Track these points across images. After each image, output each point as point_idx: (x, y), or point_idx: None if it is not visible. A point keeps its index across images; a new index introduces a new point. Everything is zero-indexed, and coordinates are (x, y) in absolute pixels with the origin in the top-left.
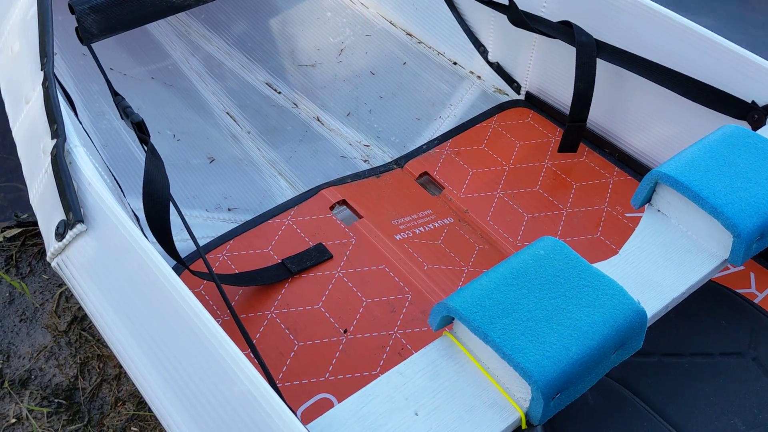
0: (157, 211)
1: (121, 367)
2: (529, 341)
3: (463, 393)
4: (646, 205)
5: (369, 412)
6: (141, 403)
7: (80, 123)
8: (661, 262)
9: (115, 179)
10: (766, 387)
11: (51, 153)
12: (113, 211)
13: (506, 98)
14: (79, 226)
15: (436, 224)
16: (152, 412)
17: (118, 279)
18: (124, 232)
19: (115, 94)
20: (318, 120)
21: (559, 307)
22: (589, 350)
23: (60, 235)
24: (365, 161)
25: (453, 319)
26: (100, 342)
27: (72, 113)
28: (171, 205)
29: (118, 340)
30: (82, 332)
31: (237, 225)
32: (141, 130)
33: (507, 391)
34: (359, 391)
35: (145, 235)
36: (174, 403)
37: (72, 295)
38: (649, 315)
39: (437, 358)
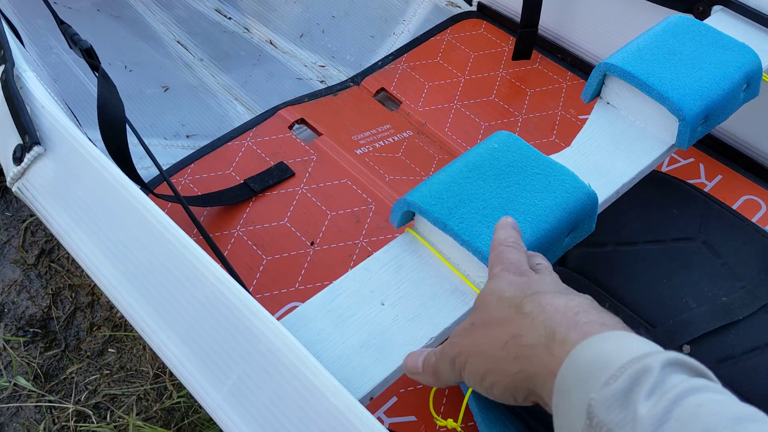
0: (114, 135)
1: (93, 294)
2: (486, 227)
3: (425, 282)
4: (597, 99)
5: (337, 305)
6: (116, 326)
7: (29, 55)
8: (611, 151)
9: (71, 110)
10: (714, 266)
11: (0, 79)
12: (70, 132)
13: (459, 10)
14: (36, 149)
15: (396, 138)
16: (127, 332)
17: (83, 199)
18: (83, 152)
19: (60, 23)
20: (271, 43)
21: (513, 194)
22: (543, 232)
23: (18, 159)
24: (321, 82)
25: (413, 216)
26: (70, 272)
27: (20, 44)
28: (130, 131)
29: (88, 259)
30: (51, 264)
31: (196, 150)
32: (91, 56)
33: (467, 277)
34: (326, 288)
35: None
36: (150, 312)
37: (38, 229)
38: (600, 200)
39: (400, 252)
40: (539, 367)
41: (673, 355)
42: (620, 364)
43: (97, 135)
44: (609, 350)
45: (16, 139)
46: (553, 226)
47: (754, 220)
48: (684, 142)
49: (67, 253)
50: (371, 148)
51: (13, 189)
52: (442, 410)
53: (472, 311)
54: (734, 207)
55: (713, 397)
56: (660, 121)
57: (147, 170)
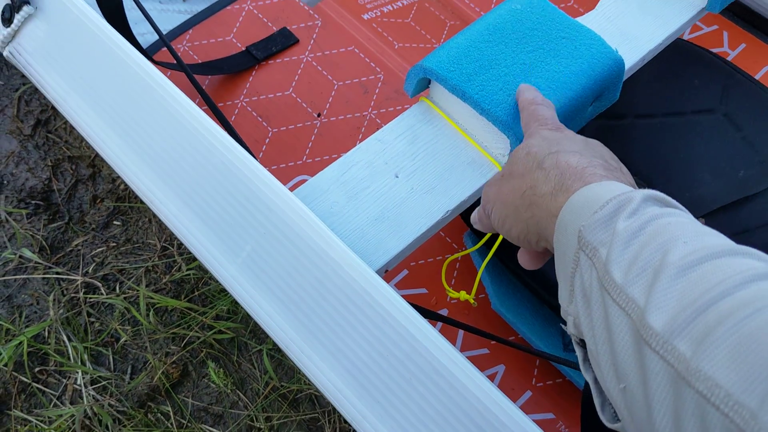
0: None
1: (94, 166)
2: (507, 95)
3: (441, 154)
4: None
5: (350, 177)
6: (119, 198)
7: None
8: (637, 14)
9: None
10: (733, 140)
11: None
12: None
13: None
14: (26, 8)
15: (405, 2)
16: (132, 204)
17: (79, 63)
18: (78, 12)
19: None
20: None
21: (537, 59)
22: (568, 100)
23: (7, 20)
24: None
25: (429, 83)
26: (69, 143)
27: None
28: None
29: (89, 126)
30: (49, 135)
31: (194, 15)
32: None
33: (485, 149)
34: (339, 158)
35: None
36: (158, 184)
37: (32, 98)
38: (626, 67)
39: (415, 123)
40: (545, 212)
41: (655, 192)
42: (608, 198)
43: None
44: (601, 190)
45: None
46: (578, 94)
47: None
48: (716, 5)
49: (65, 123)
50: (379, 13)
51: (5, 53)
52: (453, 283)
53: (506, 163)
54: (757, 77)
55: (682, 219)
56: None
57: (143, 36)
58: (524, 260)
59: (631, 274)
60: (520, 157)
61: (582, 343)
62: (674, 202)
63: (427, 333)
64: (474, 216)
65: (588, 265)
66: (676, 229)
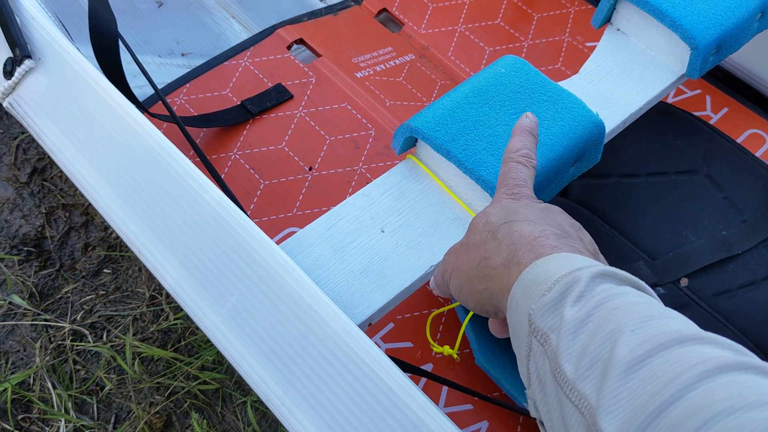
0: (106, 50)
1: (88, 214)
2: (490, 155)
3: (427, 210)
4: (607, 25)
5: (336, 231)
6: (111, 247)
7: None
8: (619, 80)
9: (62, 25)
10: (716, 200)
11: None
12: (62, 46)
13: None
14: (27, 62)
15: (397, 61)
16: (123, 253)
17: (76, 116)
18: (77, 67)
19: None
20: None
21: None
22: (549, 162)
23: (8, 73)
24: (321, 0)
25: (416, 141)
26: (64, 191)
27: None
28: (123, 47)
29: (82, 177)
30: (44, 182)
31: (192, 69)
32: None
33: (469, 206)
34: (326, 213)
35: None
36: (147, 233)
37: (30, 146)
38: (607, 130)
39: (401, 179)
40: (498, 285)
41: (603, 267)
42: (555, 278)
43: (89, 51)
44: (551, 267)
45: (6, 52)
46: (559, 155)
47: (758, 154)
48: (695, 72)
49: (61, 172)
50: (372, 72)
51: (4, 104)
52: (438, 337)
53: (467, 231)
54: (739, 141)
55: (630, 300)
56: (671, 50)
57: (141, 89)
58: (495, 329)
59: (581, 368)
60: (478, 226)
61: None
62: (625, 274)
63: (408, 389)
64: (432, 282)
65: (540, 352)
66: (623, 315)
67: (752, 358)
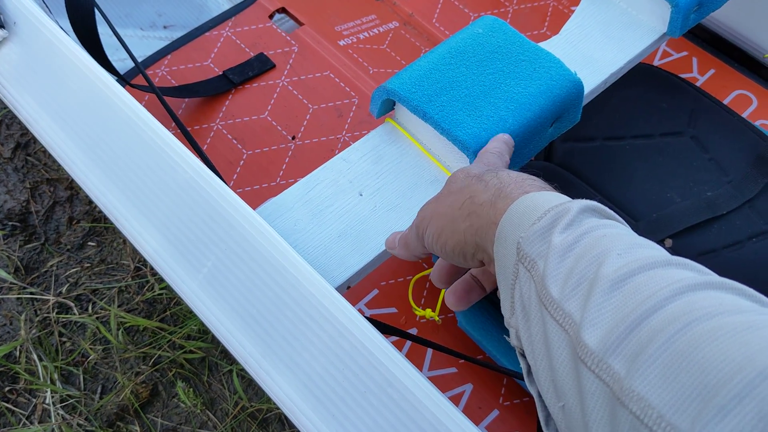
0: (82, 21)
1: (72, 189)
2: (467, 115)
3: (405, 173)
4: None
5: (315, 195)
6: (95, 220)
7: None
8: (600, 40)
9: None
10: (701, 162)
11: None
12: (37, 17)
13: None
14: (0, 32)
15: (381, 29)
16: (107, 225)
17: (53, 88)
18: (52, 38)
19: None
20: None
21: (496, 81)
22: (526, 121)
23: None
24: None
25: (394, 104)
26: (48, 166)
27: None
28: (102, 20)
29: (60, 149)
30: (28, 157)
31: (173, 41)
32: None
33: (447, 168)
34: (304, 177)
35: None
36: (125, 204)
37: (13, 122)
38: (588, 90)
39: (379, 143)
40: (485, 220)
41: (592, 202)
42: (546, 209)
43: (68, 25)
44: (539, 200)
45: None
46: (536, 115)
47: (744, 115)
48: (676, 30)
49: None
50: (355, 40)
51: None
52: (422, 302)
53: (445, 184)
54: (725, 102)
55: (618, 231)
56: (652, 9)
57: (123, 62)
58: (451, 301)
59: (567, 288)
60: (458, 177)
61: (525, 356)
62: (611, 212)
63: (383, 347)
64: (392, 241)
65: (527, 278)
66: (611, 241)
67: (731, 282)
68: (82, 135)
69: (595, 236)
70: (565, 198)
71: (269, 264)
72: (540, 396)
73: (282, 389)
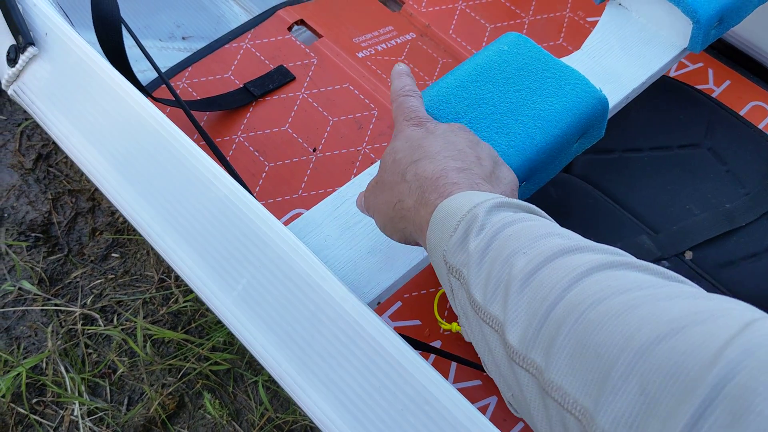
0: (109, 35)
1: (94, 200)
2: (495, 133)
3: None
4: (607, 0)
5: (343, 211)
6: (118, 231)
7: None
8: (621, 55)
9: (64, 12)
10: (719, 173)
11: None
12: (65, 32)
13: None
14: (31, 49)
15: (398, 40)
16: (131, 236)
17: (81, 102)
18: (80, 53)
19: None
20: None
21: (523, 98)
22: (553, 138)
23: (12, 60)
24: None
25: None
26: (69, 177)
27: None
28: (126, 32)
29: (89, 163)
30: (50, 169)
31: (193, 53)
32: None
33: None
34: (332, 194)
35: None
36: (156, 218)
37: (34, 133)
38: (610, 105)
39: None
40: (413, 224)
41: (498, 199)
42: (458, 218)
43: (92, 37)
44: (453, 208)
45: (9, 40)
46: (563, 132)
47: (760, 126)
48: (697, 46)
49: (66, 158)
50: (373, 51)
51: (9, 91)
52: (446, 314)
53: (379, 169)
54: (741, 113)
55: (524, 225)
56: (673, 24)
57: (143, 74)
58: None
59: (488, 292)
60: (387, 164)
61: None
62: (518, 202)
63: (418, 365)
64: (360, 203)
65: (458, 286)
66: (516, 240)
67: (625, 257)
68: (113, 151)
69: (503, 237)
70: (476, 197)
71: (303, 281)
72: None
73: (319, 407)
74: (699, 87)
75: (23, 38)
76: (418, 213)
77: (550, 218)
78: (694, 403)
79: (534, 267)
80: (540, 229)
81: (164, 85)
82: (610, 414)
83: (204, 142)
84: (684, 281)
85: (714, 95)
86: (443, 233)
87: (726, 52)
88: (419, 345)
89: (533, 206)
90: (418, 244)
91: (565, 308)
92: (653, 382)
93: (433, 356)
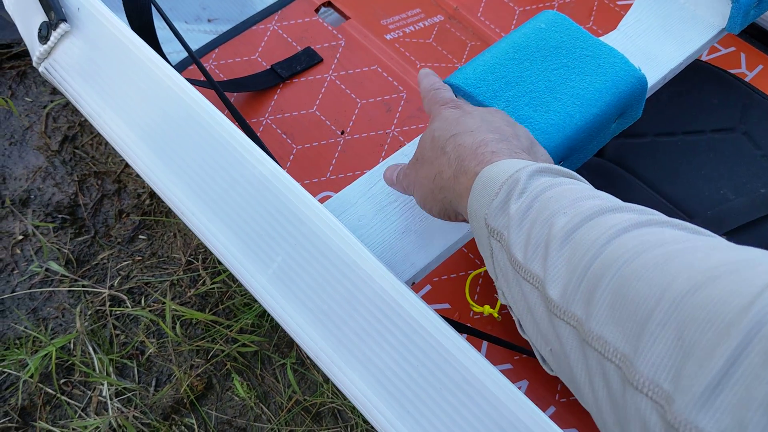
0: (139, 14)
1: (120, 182)
2: (534, 111)
3: None
4: None
5: (377, 191)
6: (145, 213)
7: None
8: (659, 35)
9: None
10: (755, 158)
11: None
12: (98, 8)
13: None
14: (63, 26)
15: (426, 23)
16: (157, 218)
17: (114, 79)
18: (113, 29)
19: None
20: None
21: (562, 77)
22: (592, 117)
23: (44, 37)
24: None
25: None
26: (95, 159)
27: None
28: (156, 13)
29: (122, 140)
30: (76, 150)
31: (220, 34)
32: None
33: None
34: (365, 174)
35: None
36: (189, 195)
37: (60, 115)
38: (648, 85)
39: None
40: (454, 193)
41: (538, 165)
42: (500, 182)
43: (121, 18)
44: (494, 174)
45: (41, 16)
46: (602, 111)
47: None
48: (735, 26)
49: (92, 139)
50: (401, 33)
51: (40, 69)
52: (476, 298)
53: (417, 147)
54: None
55: (564, 188)
56: (711, 3)
57: (170, 56)
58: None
59: (529, 251)
60: (426, 142)
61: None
62: (558, 168)
63: (457, 343)
64: (390, 177)
65: (499, 248)
66: (556, 201)
67: (661, 217)
68: (146, 128)
69: (543, 199)
70: (516, 164)
71: (339, 259)
72: (532, 342)
73: (356, 385)
74: (731, 71)
75: (55, 14)
76: (458, 181)
77: (589, 183)
78: (731, 346)
79: (573, 225)
80: (580, 192)
81: (192, 67)
82: (649, 359)
83: (236, 123)
84: (719, 238)
85: (747, 79)
86: (485, 198)
87: (759, 36)
88: (453, 324)
89: (573, 172)
90: (457, 216)
91: (604, 262)
92: (690, 329)
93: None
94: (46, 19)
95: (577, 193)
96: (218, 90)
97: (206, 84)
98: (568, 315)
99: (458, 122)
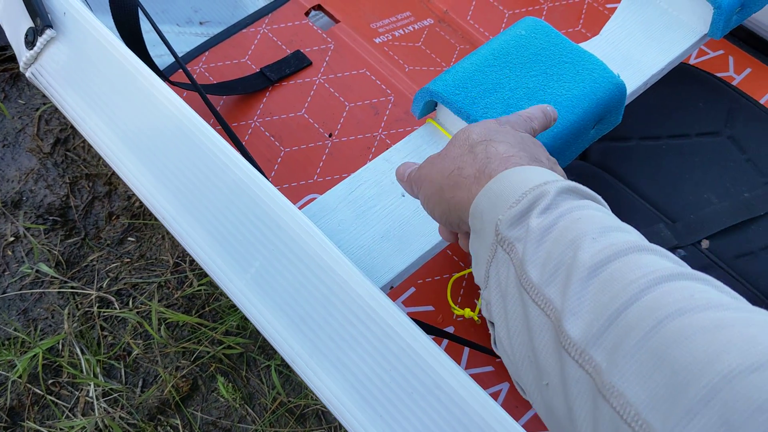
0: (126, 19)
1: (111, 184)
2: None
3: None
4: None
5: (358, 196)
6: (134, 215)
7: None
8: (641, 40)
9: None
10: (739, 162)
11: None
12: (83, 15)
13: None
14: (48, 32)
15: (416, 26)
16: (146, 221)
17: (98, 85)
18: (98, 36)
19: None
20: None
21: (540, 83)
22: (570, 123)
23: (30, 43)
24: None
25: (435, 106)
26: (87, 162)
27: None
28: (143, 16)
29: (106, 146)
30: (67, 153)
31: (210, 37)
32: None
33: None
34: (347, 178)
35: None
36: (171, 200)
37: (52, 117)
38: (629, 91)
39: (421, 143)
40: (466, 194)
41: (568, 183)
42: (524, 191)
43: (108, 21)
44: (517, 180)
45: (27, 22)
46: (579, 117)
47: None
48: (717, 32)
49: (83, 142)
50: (390, 37)
51: (27, 74)
52: (459, 300)
53: (448, 143)
54: (762, 101)
55: (592, 213)
56: (693, 9)
57: (161, 58)
58: (444, 235)
59: (546, 272)
60: (458, 139)
61: (494, 325)
62: (589, 191)
63: (430, 349)
64: (402, 174)
65: (505, 260)
66: (585, 224)
67: (704, 275)
68: (129, 134)
69: (570, 219)
70: (544, 176)
71: (316, 264)
72: (510, 361)
73: (329, 388)
74: (720, 75)
75: (41, 20)
76: (478, 181)
77: (611, 213)
78: None
79: (606, 257)
80: (610, 220)
81: (181, 70)
82: None
83: (220, 127)
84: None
85: (734, 83)
86: (501, 202)
87: (747, 40)
88: (432, 330)
89: (599, 197)
90: (460, 224)
91: (640, 311)
92: (739, 413)
93: (445, 342)
94: (32, 24)
95: (606, 220)
96: (202, 94)
97: (192, 87)
98: (584, 358)
99: (498, 131)
